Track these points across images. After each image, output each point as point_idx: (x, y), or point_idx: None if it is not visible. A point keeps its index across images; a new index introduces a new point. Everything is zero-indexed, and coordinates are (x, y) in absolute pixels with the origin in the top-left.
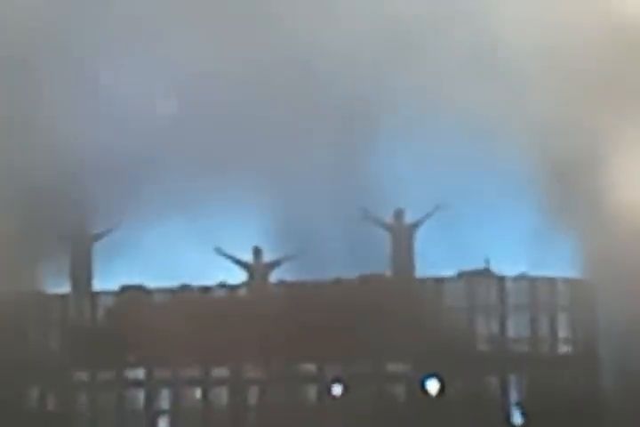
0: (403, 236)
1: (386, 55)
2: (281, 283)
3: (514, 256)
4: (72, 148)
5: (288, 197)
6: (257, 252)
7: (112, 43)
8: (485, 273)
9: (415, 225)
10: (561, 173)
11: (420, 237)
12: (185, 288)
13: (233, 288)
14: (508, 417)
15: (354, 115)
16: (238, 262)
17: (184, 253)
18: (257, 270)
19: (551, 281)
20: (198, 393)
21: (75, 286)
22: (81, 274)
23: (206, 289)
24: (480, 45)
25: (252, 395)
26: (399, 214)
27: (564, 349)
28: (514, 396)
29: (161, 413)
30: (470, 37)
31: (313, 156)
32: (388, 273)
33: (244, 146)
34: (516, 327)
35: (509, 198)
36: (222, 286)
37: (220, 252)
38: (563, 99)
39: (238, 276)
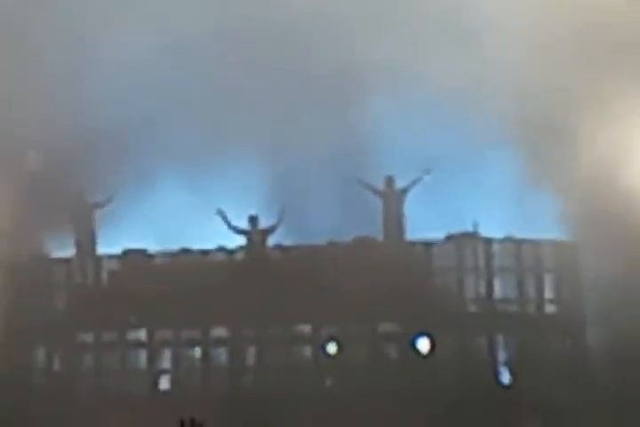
0: (393, 201)
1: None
2: (277, 247)
3: (500, 219)
4: (74, 116)
5: (283, 162)
6: (253, 219)
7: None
8: (473, 236)
9: (404, 190)
10: (544, 136)
11: (409, 202)
12: (185, 252)
13: (231, 252)
14: (496, 376)
15: (345, 82)
16: (235, 229)
17: (184, 218)
18: (254, 236)
19: (536, 243)
20: (198, 353)
21: (79, 250)
22: (85, 239)
23: (205, 253)
24: (455, 14)
25: (250, 355)
26: (389, 180)
27: (550, 308)
28: (502, 355)
29: (162, 372)
30: (445, 7)
31: (307, 122)
32: (380, 237)
33: (239, 115)
34: (503, 288)
35: (493, 162)
36: (221, 249)
37: (220, 214)
38: (537, 64)
39: (236, 240)
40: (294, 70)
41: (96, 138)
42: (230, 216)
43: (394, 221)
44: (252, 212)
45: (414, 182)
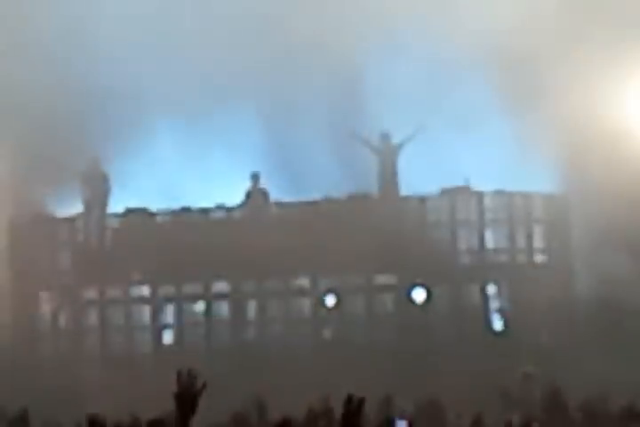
0: (388, 157)
1: None
2: (276, 203)
3: (492, 173)
4: (76, 72)
5: (282, 121)
6: (255, 177)
7: None
8: (465, 190)
9: (399, 146)
10: (533, 93)
11: (403, 158)
12: (186, 210)
13: (230, 209)
14: (488, 323)
15: (343, 39)
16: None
17: (184, 177)
18: (254, 193)
19: (526, 195)
20: (200, 308)
21: (87, 209)
22: (94, 198)
23: (205, 211)
24: None
25: (251, 308)
26: (385, 137)
27: (539, 258)
28: (494, 303)
29: (166, 326)
30: None
31: (306, 80)
32: (375, 192)
33: (239, 72)
34: (495, 240)
35: (486, 118)
36: (220, 207)
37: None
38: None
39: (235, 198)
40: (294, 30)
41: (97, 95)
42: (231, 174)
43: (389, 176)
44: (254, 169)
45: (409, 138)
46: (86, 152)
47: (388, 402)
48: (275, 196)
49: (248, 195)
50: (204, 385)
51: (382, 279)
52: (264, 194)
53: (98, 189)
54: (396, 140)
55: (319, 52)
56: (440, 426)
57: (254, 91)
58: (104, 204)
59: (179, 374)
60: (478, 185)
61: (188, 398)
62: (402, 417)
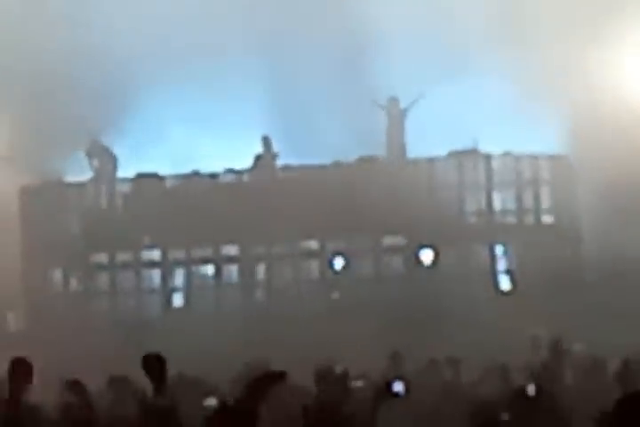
0: (396, 119)
1: None
2: (285, 167)
3: (500, 136)
4: (92, 39)
5: (290, 81)
6: (266, 140)
7: None
8: (473, 152)
9: (407, 109)
10: (541, 51)
11: (411, 120)
12: (195, 174)
13: (239, 173)
14: (496, 284)
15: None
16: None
17: (194, 141)
18: (264, 157)
19: (534, 158)
20: (210, 271)
21: (94, 175)
22: (99, 164)
23: (214, 175)
24: None
25: (260, 271)
26: (393, 100)
27: (547, 219)
28: (502, 264)
29: (176, 290)
30: None
31: (311, 37)
32: (383, 155)
33: (243, 31)
34: (502, 201)
35: (493, 80)
36: (229, 171)
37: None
38: None
39: (244, 161)
40: None
41: (98, 57)
42: (237, 137)
43: (397, 139)
44: (262, 132)
45: (413, 103)
46: (91, 116)
47: (395, 359)
48: (283, 160)
49: (257, 158)
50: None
51: (390, 241)
52: (273, 158)
53: (105, 154)
54: (404, 103)
55: (328, 8)
56: (439, 386)
57: (259, 52)
58: (113, 169)
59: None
60: (486, 148)
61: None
62: (399, 378)
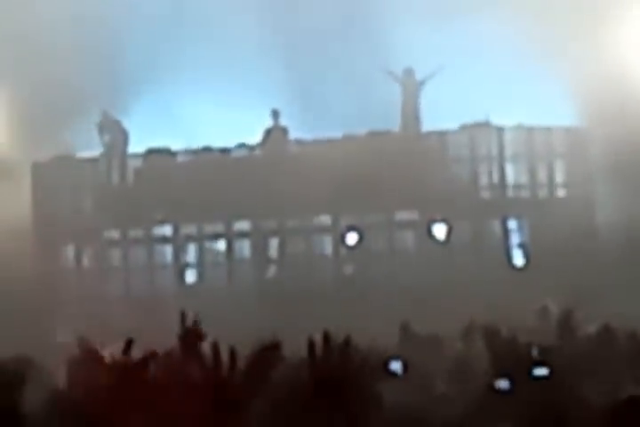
0: (411, 92)
1: None
2: (296, 141)
3: (512, 109)
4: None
5: (302, 55)
6: (275, 114)
7: None
8: (485, 125)
9: (423, 82)
10: (553, 29)
11: (424, 94)
12: (207, 149)
13: (251, 148)
14: (509, 259)
15: None
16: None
17: (205, 116)
18: (275, 131)
19: (547, 130)
20: (222, 247)
21: (108, 149)
22: (110, 140)
23: (226, 150)
24: None
25: (272, 246)
26: (408, 71)
27: (561, 192)
28: (515, 238)
29: (188, 266)
30: None
31: (326, 13)
32: (395, 129)
33: (257, 5)
34: (515, 175)
35: (505, 53)
36: (241, 146)
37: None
38: None
39: (256, 136)
40: None
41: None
42: (248, 109)
43: (411, 112)
44: (274, 106)
45: (430, 76)
46: (103, 92)
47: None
48: (294, 134)
49: (268, 133)
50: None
51: (403, 216)
52: (284, 132)
53: (116, 129)
54: (418, 76)
55: None
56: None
57: (272, 24)
58: (124, 143)
59: (182, 317)
60: (498, 120)
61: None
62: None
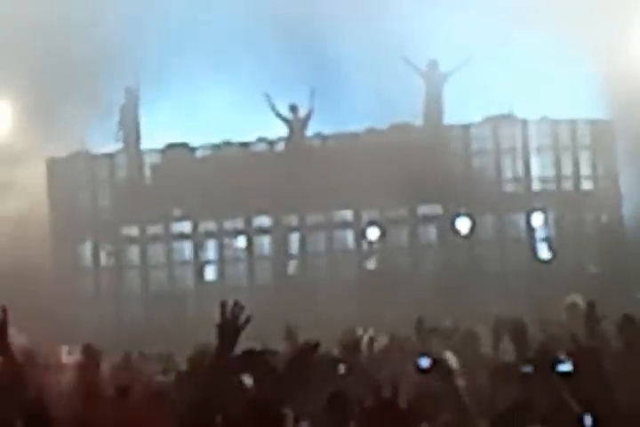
0: (435, 84)
1: None
2: (317, 135)
3: (537, 101)
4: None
5: (321, 44)
6: (293, 108)
7: None
8: (509, 117)
9: (448, 74)
10: (580, 14)
11: (449, 87)
12: (226, 144)
13: (271, 142)
14: (535, 253)
15: None
16: (279, 115)
17: (224, 110)
18: (295, 125)
19: (572, 122)
20: (242, 243)
21: (123, 145)
22: (129, 134)
23: (246, 144)
24: None
25: (294, 242)
26: (433, 63)
27: (586, 185)
28: (540, 232)
29: (208, 262)
30: None
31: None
32: (418, 121)
33: None
34: (540, 167)
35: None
36: (262, 140)
37: (267, 99)
38: None
39: (277, 130)
40: None
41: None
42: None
43: (434, 104)
44: (292, 100)
45: (457, 68)
46: (118, 86)
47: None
48: (315, 128)
49: (289, 126)
50: (248, 319)
51: (426, 210)
52: (303, 125)
53: (131, 124)
54: (443, 68)
55: None
56: (476, 358)
57: (289, 14)
58: (137, 138)
59: (222, 306)
60: (523, 113)
61: (231, 330)
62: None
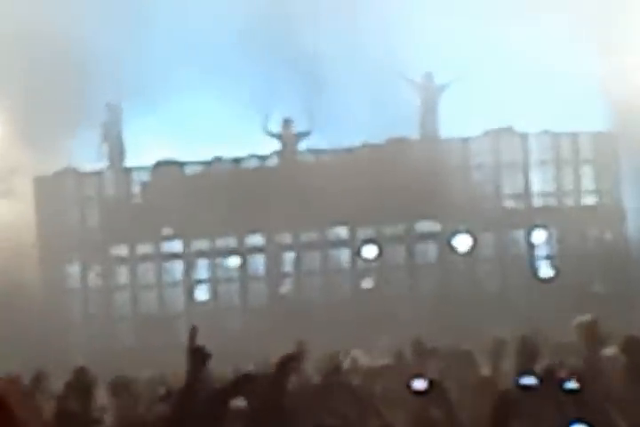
0: (431, 97)
1: None
2: (310, 151)
3: (537, 114)
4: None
5: (315, 58)
6: (287, 123)
7: None
8: (509, 131)
9: (443, 87)
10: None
11: (445, 100)
12: (217, 160)
13: (263, 158)
14: (535, 271)
15: None
16: (270, 133)
17: (215, 125)
18: (288, 140)
19: (574, 136)
20: (234, 262)
21: (109, 163)
22: (114, 150)
23: (238, 160)
24: None
25: (287, 261)
26: (428, 76)
27: (588, 200)
28: (541, 249)
29: (199, 282)
30: None
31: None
32: (414, 136)
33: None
34: (541, 182)
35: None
36: (253, 156)
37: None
38: None
39: (268, 146)
40: None
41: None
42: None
43: (430, 116)
44: (284, 115)
45: (453, 80)
46: (102, 101)
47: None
48: (308, 143)
49: (282, 142)
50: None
51: (424, 226)
52: (296, 141)
53: (115, 141)
54: (438, 81)
55: None
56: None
57: (283, 26)
58: (121, 155)
59: (192, 331)
60: (523, 126)
61: (201, 355)
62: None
